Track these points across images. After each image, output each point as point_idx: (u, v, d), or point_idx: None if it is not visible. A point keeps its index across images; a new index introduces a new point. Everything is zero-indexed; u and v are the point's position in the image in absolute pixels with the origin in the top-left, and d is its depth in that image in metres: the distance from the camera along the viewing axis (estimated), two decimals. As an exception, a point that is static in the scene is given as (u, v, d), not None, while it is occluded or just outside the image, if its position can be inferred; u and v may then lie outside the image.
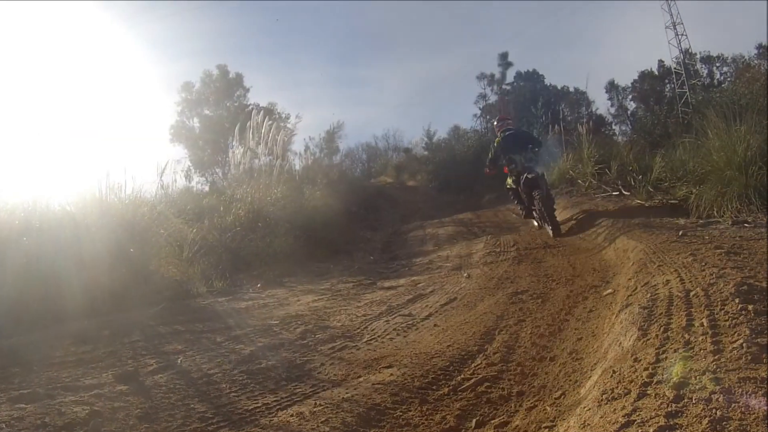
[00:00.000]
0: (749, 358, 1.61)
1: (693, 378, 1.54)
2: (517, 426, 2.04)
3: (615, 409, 1.55)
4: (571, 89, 25.96)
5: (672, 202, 5.95)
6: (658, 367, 1.71)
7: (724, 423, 1.30)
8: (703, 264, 2.83)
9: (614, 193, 7.66)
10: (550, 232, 6.32)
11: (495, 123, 7.91)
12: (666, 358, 1.76)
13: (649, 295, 2.57)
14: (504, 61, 27.38)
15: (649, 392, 1.57)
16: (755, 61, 20.32)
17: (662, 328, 2.05)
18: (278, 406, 2.42)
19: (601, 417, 1.55)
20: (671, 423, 1.36)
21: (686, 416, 1.37)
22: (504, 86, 27.33)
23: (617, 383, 1.72)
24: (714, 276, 2.50)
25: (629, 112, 25.42)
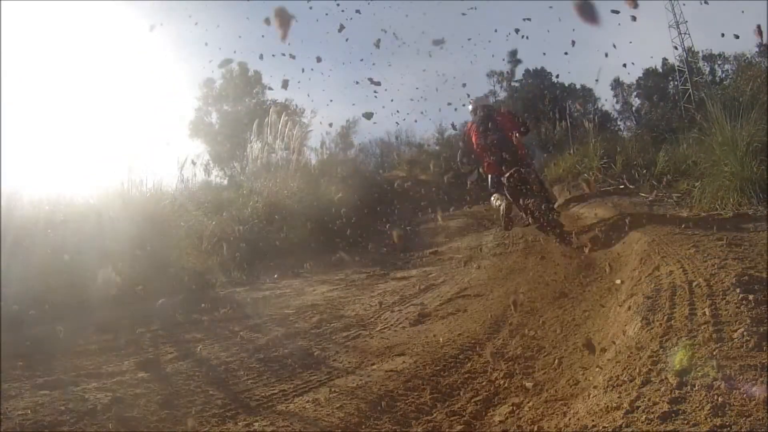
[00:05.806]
0: (750, 346, 1.65)
1: (695, 365, 1.56)
2: (532, 406, 2.08)
3: (620, 395, 1.58)
4: (578, 86, 25.75)
5: (675, 195, 6.06)
6: (662, 355, 1.74)
7: (726, 409, 1.32)
8: (706, 255, 2.84)
9: (620, 187, 7.80)
10: None
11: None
12: (669, 346, 1.79)
13: (653, 285, 2.56)
14: (513, 58, 26.88)
15: (653, 379, 1.59)
16: (756, 60, 19.55)
17: (665, 318, 2.06)
18: (294, 393, 2.49)
19: (607, 402, 1.58)
20: (674, 408, 1.38)
21: (689, 402, 1.39)
22: (513, 83, 26.70)
23: (622, 370, 1.74)
24: (716, 267, 2.52)
25: (634, 109, 25.65)
